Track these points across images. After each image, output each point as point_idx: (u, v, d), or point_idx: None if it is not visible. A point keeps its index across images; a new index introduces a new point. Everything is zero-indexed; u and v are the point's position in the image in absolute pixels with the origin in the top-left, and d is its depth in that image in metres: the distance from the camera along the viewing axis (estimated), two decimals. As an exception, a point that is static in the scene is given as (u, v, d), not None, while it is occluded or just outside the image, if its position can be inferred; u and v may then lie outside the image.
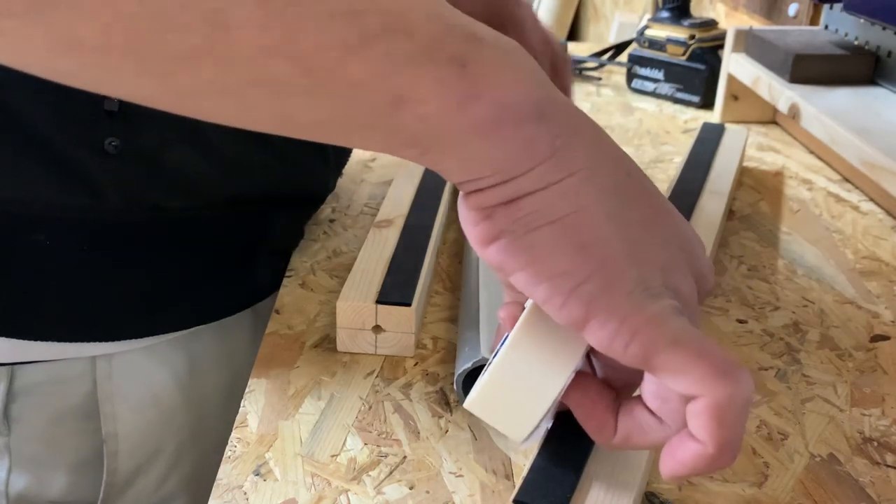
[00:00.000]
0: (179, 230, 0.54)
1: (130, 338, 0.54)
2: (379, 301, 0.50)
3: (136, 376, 0.56)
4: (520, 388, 0.34)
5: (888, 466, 0.43)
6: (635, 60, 1.03)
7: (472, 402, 0.34)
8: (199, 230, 0.55)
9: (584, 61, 1.11)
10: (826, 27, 0.90)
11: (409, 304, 0.49)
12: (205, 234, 0.56)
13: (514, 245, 0.31)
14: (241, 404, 0.47)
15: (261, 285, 0.60)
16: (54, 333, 0.52)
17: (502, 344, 0.34)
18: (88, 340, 0.53)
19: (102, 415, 0.56)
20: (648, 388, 0.33)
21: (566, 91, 0.64)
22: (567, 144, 0.30)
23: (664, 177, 0.78)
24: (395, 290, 0.51)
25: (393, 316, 0.49)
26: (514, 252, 0.31)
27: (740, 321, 0.55)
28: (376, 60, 0.27)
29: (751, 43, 0.89)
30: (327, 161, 0.63)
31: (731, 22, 1.20)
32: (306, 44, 0.26)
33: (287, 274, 0.59)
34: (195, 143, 0.52)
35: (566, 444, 0.40)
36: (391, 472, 0.42)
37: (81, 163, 0.49)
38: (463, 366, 0.45)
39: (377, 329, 0.50)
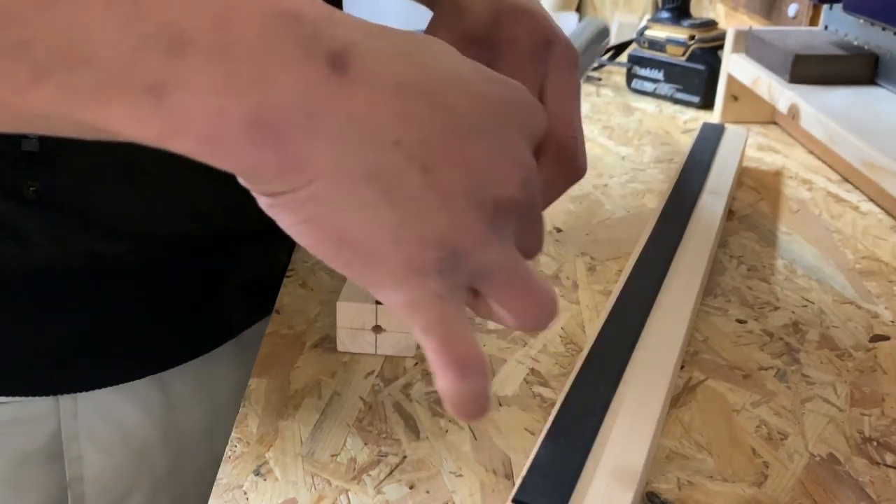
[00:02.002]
0: (123, 275, 0.50)
1: (82, 390, 0.52)
2: (379, 301, 0.50)
3: (103, 414, 0.53)
4: None
5: (888, 466, 0.43)
6: (635, 61, 1.03)
7: None
8: (146, 273, 0.51)
9: (583, 62, 1.11)
10: (826, 27, 0.90)
11: None
12: (153, 276, 0.52)
13: (292, 231, 0.30)
14: (242, 404, 0.47)
15: (233, 321, 0.57)
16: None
17: None
18: (35, 395, 0.51)
19: (67, 457, 0.53)
20: None
21: (566, 89, 0.44)
22: (303, 150, 0.27)
23: (664, 177, 0.78)
24: None
25: (393, 316, 0.49)
26: (297, 236, 0.30)
27: (740, 321, 0.55)
28: (54, 95, 0.24)
29: (750, 43, 0.89)
30: None
31: (731, 22, 1.20)
32: None
33: (287, 274, 0.59)
34: (129, 182, 0.47)
35: (565, 444, 0.40)
36: (391, 472, 0.42)
37: (2, 210, 0.45)
38: None
39: (377, 329, 0.50)
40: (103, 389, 0.53)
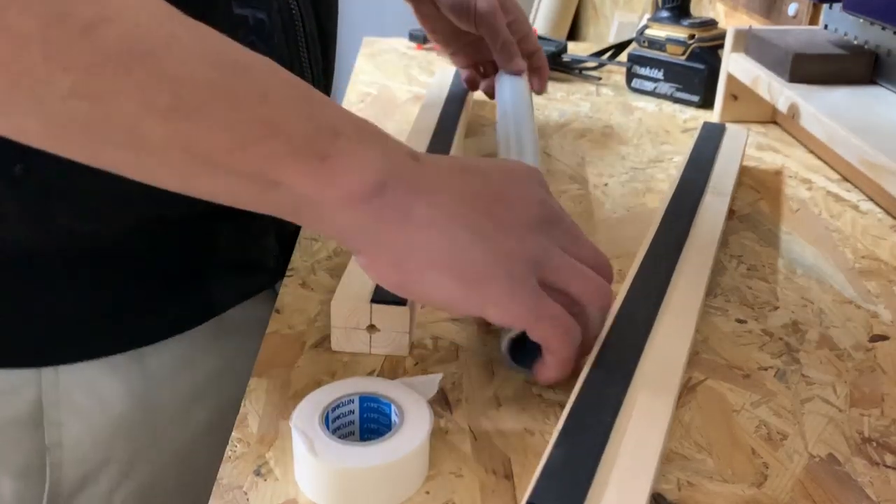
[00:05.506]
0: (101, 254, 0.52)
1: (63, 363, 0.53)
2: (374, 300, 0.50)
3: (84, 383, 0.54)
4: None
5: (887, 467, 0.43)
6: (635, 60, 1.03)
7: None
8: (123, 253, 0.53)
9: (583, 61, 1.11)
10: (825, 27, 0.90)
11: (403, 304, 0.49)
12: (131, 254, 0.53)
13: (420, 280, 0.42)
14: (242, 404, 0.47)
15: (214, 301, 0.58)
16: None
17: None
18: (17, 366, 0.52)
19: (46, 423, 0.54)
20: None
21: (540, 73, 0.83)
22: (408, 204, 0.40)
23: (664, 176, 0.78)
24: None
25: (388, 315, 0.49)
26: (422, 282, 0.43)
27: (739, 321, 0.55)
28: (257, 158, 0.36)
29: (750, 42, 0.89)
30: None
31: (731, 21, 1.20)
32: (203, 144, 0.35)
33: (287, 274, 0.60)
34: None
35: (577, 446, 0.40)
36: (391, 472, 0.42)
37: None
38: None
39: (371, 328, 0.50)
40: (84, 362, 0.54)
